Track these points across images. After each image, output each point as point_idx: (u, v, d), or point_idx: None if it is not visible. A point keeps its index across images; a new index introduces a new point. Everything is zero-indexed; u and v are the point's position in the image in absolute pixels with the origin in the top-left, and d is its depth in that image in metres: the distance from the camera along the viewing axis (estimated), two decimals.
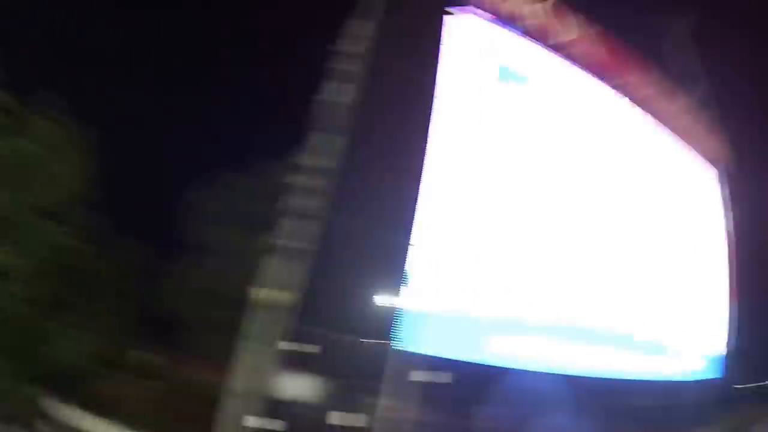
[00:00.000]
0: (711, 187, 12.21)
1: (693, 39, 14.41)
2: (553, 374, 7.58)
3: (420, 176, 6.53)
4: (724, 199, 12.18)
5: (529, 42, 8.31)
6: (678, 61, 13.30)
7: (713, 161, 12.25)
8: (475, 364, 6.73)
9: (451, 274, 6.61)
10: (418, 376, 6.33)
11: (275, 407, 6.51)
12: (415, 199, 6.43)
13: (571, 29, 8.90)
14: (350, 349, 6.40)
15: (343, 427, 6.40)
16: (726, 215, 12.06)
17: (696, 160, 11.85)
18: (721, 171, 12.36)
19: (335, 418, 6.38)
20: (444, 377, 6.50)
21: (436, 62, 7.01)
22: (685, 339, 10.70)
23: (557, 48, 8.72)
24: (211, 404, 6.73)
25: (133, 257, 9.55)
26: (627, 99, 9.98)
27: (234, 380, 6.71)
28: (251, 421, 6.44)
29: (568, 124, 8.50)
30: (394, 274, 6.33)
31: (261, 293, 6.88)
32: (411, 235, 6.32)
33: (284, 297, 6.71)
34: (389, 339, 6.17)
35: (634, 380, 9.25)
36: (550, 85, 8.47)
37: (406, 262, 6.28)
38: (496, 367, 6.92)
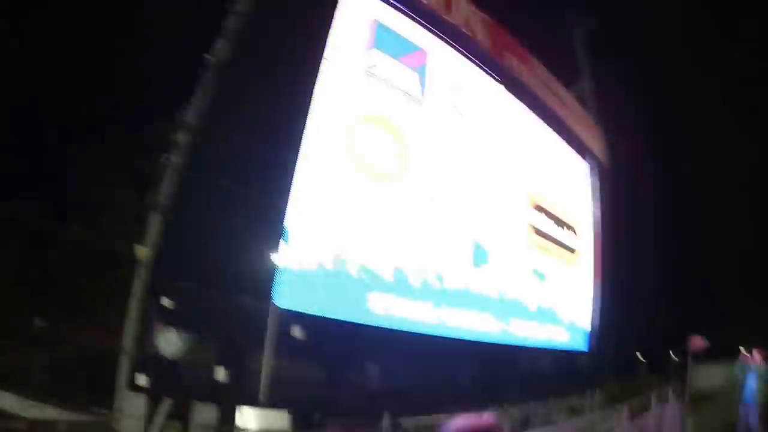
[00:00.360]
0: (583, 177, 13.14)
1: (579, 36, 15.55)
2: (435, 336, 7.72)
3: (301, 135, 6.55)
4: (593, 189, 13.14)
5: (419, 21, 8.41)
6: (562, 56, 14.22)
7: (586, 154, 13.15)
8: (356, 324, 6.68)
9: (331, 232, 6.48)
10: (297, 334, 6.37)
11: (160, 365, 6.42)
12: (296, 156, 6.44)
13: (460, 11, 9.20)
14: (230, 307, 6.35)
15: (224, 385, 6.35)
16: (594, 204, 13.02)
17: (570, 151, 12.66)
18: (593, 164, 13.31)
19: (219, 375, 6.32)
20: (322, 336, 6.55)
21: (326, 24, 7.04)
22: (564, 312, 11.51)
23: (446, 29, 8.91)
24: (106, 367, 6.64)
25: (18, 218, 9.11)
26: (507, 85, 10.35)
27: (124, 340, 6.60)
28: (141, 379, 6.34)
29: (449, 101, 8.72)
30: (273, 231, 6.32)
31: (145, 252, 6.80)
32: (291, 192, 6.32)
33: (166, 255, 6.64)
34: (269, 297, 6.15)
35: (516, 346, 9.69)
36: (436, 63, 8.61)
37: (286, 219, 6.27)
38: (377, 327, 6.87)
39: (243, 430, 6.79)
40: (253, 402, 6.21)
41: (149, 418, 6.34)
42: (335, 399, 6.64)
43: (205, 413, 6.72)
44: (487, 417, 1.83)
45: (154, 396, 6.38)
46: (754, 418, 10.10)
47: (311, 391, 6.47)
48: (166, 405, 6.36)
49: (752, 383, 11.10)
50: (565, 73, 14.03)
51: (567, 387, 11.49)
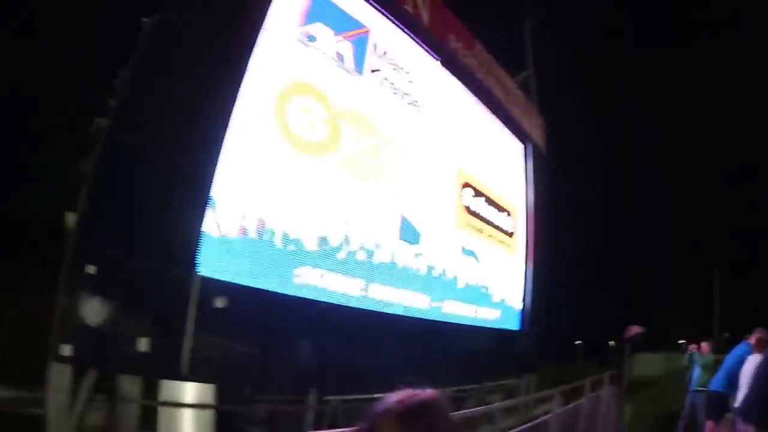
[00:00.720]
0: (521, 162, 13.41)
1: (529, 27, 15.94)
2: (363, 311, 7.77)
3: (233, 103, 6.48)
4: (531, 174, 13.43)
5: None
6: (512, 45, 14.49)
7: (525, 139, 13.41)
8: (281, 295, 6.64)
9: (257, 201, 6.44)
10: (220, 304, 6.30)
11: (84, 336, 6.28)
12: (226, 124, 6.37)
13: None
14: (153, 276, 6.24)
15: (148, 356, 6.24)
16: (531, 188, 13.31)
17: (510, 134, 12.89)
18: (531, 149, 13.59)
19: (142, 346, 6.21)
20: (247, 307, 6.49)
21: None
22: (497, 292, 11.74)
23: (389, 5, 8.97)
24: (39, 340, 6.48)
25: None
26: (447, 64, 10.48)
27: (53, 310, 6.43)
28: (66, 350, 6.21)
29: (387, 77, 8.75)
30: (199, 198, 6.23)
31: (71, 220, 6.65)
32: (218, 160, 6.24)
33: (92, 222, 6.50)
34: (193, 265, 6.07)
35: (447, 324, 9.81)
36: (377, 39, 8.64)
37: (212, 186, 6.19)
38: (303, 299, 6.86)
39: (168, 403, 6.75)
40: (176, 375, 6.11)
41: (75, 391, 6.24)
42: (261, 373, 6.60)
43: (129, 386, 6.66)
44: (428, 391, 1.74)
45: (79, 367, 6.26)
46: (698, 405, 10.60)
47: (236, 364, 6.39)
48: (91, 377, 6.27)
49: (698, 372, 11.65)
50: (513, 61, 14.36)
51: (501, 369, 11.72)
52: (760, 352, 7.56)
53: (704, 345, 12.88)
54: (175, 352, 5.93)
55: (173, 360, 5.93)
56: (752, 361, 7.31)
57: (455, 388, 10.11)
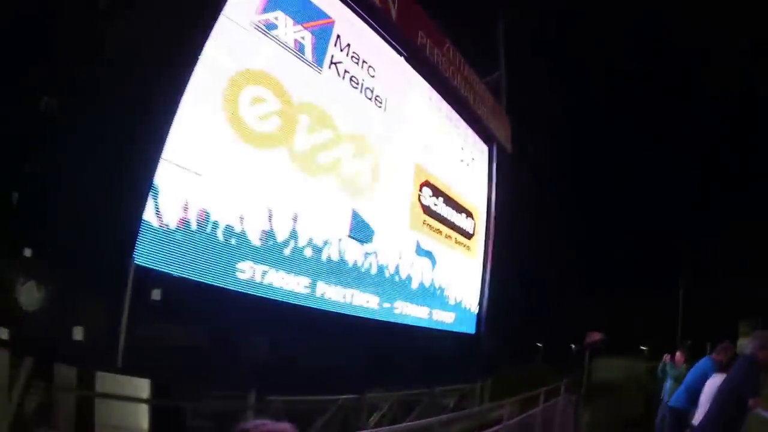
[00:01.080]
0: (485, 163, 13.41)
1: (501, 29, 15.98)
2: (310, 309, 7.67)
3: (183, 88, 6.34)
4: (495, 176, 13.44)
5: None
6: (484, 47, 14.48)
7: (489, 139, 13.42)
8: (222, 289, 6.49)
9: (201, 192, 6.28)
10: (159, 296, 6.16)
11: (20, 321, 6.10)
12: (174, 110, 6.22)
13: None
14: (90, 263, 6.07)
15: (83, 346, 6.08)
16: (489, 189, 13.33)
17: (474, 135, 12.87)
18: (496, 151, 13.60)
19: (76, 334, 6.05)
20: (186, 300, 6.35)
21: None
22: (455, 295, 11.72)
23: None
24: None
25: None
26: (413, 60, 10.40)
27: None
28: (4, 333, 6.03)
29: (348, 71, 8.66)
30: (141, 186, 6.08)
31: (14, 201, 6.47)
32: (164, 147, 6.10)
33: (32, 205, 6.33)
34: (132, 255, 5.92)
35: (400, 325, 9.74)
36: (342, 32, 8.54)
37: (155, 174, 6.04)
38: (245, 294, 6.72)
39: (104, 395, 6.61)
40: (110, 367, 5.97)
41: (12, 377, 6.05)
42: (199, 369, 6.47)
43: (66, 375, 6.52)
44: (285, 425, 1.96)
45: (16, 353, 6.09)
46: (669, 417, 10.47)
47: (174, 359, 6.25)
48: (28, 364, 6.10)
49: (669, 384, 11.60)
50: (484, 62, 14.36)
51: (456, 373, 11.70)
52: (723, 369, 7.50)
53: (678, 355, 12.94)
54: (110, 343, 5.80)
55: (108, 352, 5.78)
56: (714, 382, 7.21)
57: (406, 392, 10.08)
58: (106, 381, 6.63)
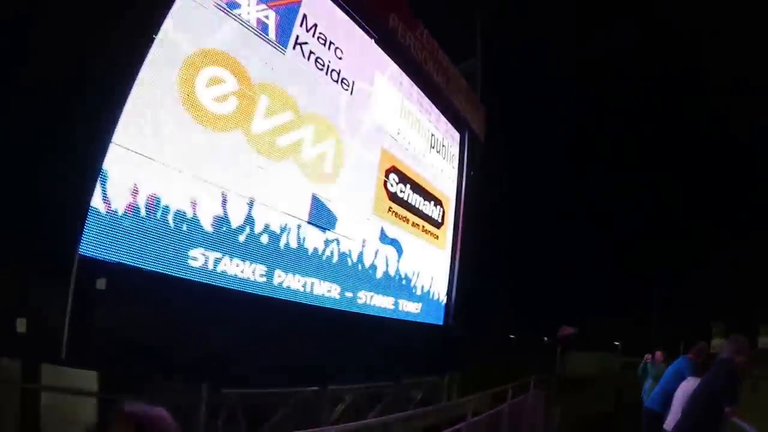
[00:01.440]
0: (457, 150, 13.32)
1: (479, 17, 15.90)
2: (268, 299, 7.50)
3: (137, 67, 6.13)
4: (463, 162, 13.37)
5: None
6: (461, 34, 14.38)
7: (461, 126, 13.33)
8: (173, 277, 6.29)
9: (152, 176, 6.06)
10: (105, 286, 5.98)
11: None
12: (127, 91, 6.02)
13: None
14: (35, 252, 5.88)
15: (27, 338, 5.90)
16: (460, 177, 13.26)
17: (446, 122, 12.76)
18: (468, 138, 13.52)
19: (20, 325, 5.87)
20: (136, 289, 6.17)
21: None
22: (421, 284, 11.61)
23: None
24: None
25: None
26: (383, 44, 10.27)
27: None
28: None
29: (314, 52, 8.50)
30: (90, 171, 5.88)
31: None
32: (115, 129, 5.89)
33: None
34: (78, 243, 5.72)
35: (364, 316, 9.63)
36: (309, 12, 8.37)
37: (104, 159, 5.84)
38: (197, 283, 6.53)
39: (49, 388, 6.45)
40: (54, 360, 5.80)
41: None
42: (149, 362, 6.30)
43: (10, 368, 6.29)
44: (160, 410, 2.11)
45: None
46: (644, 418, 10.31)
47: (122, 351, 6.07)
48: None
49: (649, 383, 11.52)
50: (461, 49, 14.26)
51: (422, 365, 11.62)
52: (698, 370, 7.31)
53: (658, 354, 12.92)
54: (54, 335, 5.62)
55: (52, 343, 5.61)
56: (687, 385, 7.00)
57: (371, 385, 9.98)
58: (52, 374, 6.45)
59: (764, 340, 34.11)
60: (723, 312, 37.03)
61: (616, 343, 44.84)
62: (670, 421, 6.82)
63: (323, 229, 8.59)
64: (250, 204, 7.31)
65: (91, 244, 5.64)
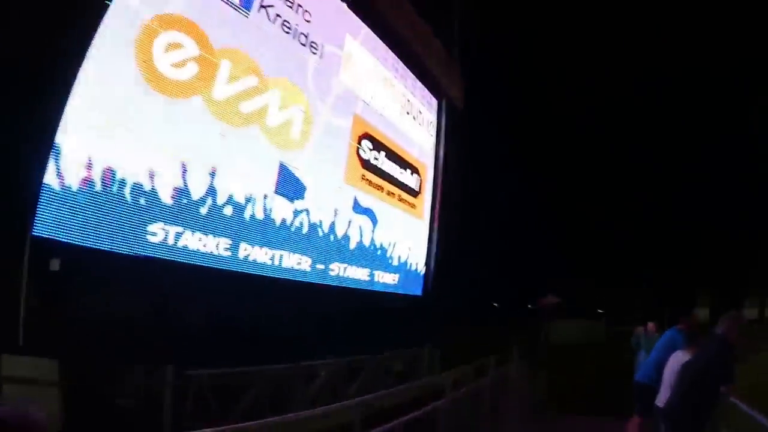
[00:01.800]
0: (434, 118, 13.12)
1: None
2: (234, 274, 7.30)
3: (90, 34, 5.84)
4: (440, 129, 13.19)
5: None
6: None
7: (438, 92, 13.11)
8: (132, 256, 6.06)
9: (107, 148, 5.78)
10: (60, 267, 5.77)
11: None
12: (80, 59, 5.75)
13: None
14: None
15: None
16: (437, 144, 13.08)
17: (423, 89, 12.55)
18: (446, 105, 13.32)
19: None
20: (94, 270, 5.97)
21: None
22: (398, 254, 11.48)
23: None
24: None
25: None
26: (355, 8, 10.04)
27: None
28: None
29: (279, 16, 8.24)
30: (43, 145, 5.64)
31: None
32: (67, 100, 5.63)
33: None
34: (30, 224, 5.49)
35: (338, 289, 9.52)
36: None
37: (57, 131, 5.59)
38: (158, 260, 6.31)
39: (9, 378, 6.25)
40: (11, 348, 5.58)
41: None
42: (111, 346, 6.11)
43: None
44: (34, 413, 1.89)
45: None
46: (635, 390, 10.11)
47: (83, 336, 5.87)
48: None
49: (643, 356, 11.42)
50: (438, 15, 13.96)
51: (402, 337, 11.53)
52: (690, 346, 7.07)
53: (650, 325, 12.88)
54: (9, 322, 5.43)
55: (7, 331, 5.41)
56: (678, 358, 6.83)
57: (347, 359, 9.87)
58: (11, 363, 6.24)
59: (749, 311, 34.61)
60: (709, 282, 37.45)
61: (600, 311, 45.27)
62: (663, 397, 6.67)
63: (291, 199, 8.36)
64: (212, 174, 7.05)
65: (46, 223, 5.38)
